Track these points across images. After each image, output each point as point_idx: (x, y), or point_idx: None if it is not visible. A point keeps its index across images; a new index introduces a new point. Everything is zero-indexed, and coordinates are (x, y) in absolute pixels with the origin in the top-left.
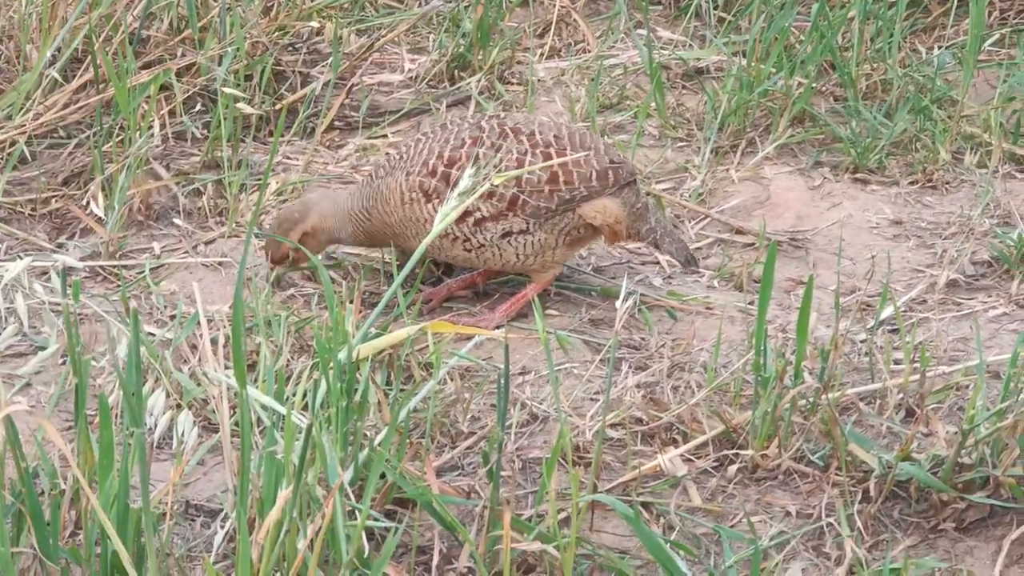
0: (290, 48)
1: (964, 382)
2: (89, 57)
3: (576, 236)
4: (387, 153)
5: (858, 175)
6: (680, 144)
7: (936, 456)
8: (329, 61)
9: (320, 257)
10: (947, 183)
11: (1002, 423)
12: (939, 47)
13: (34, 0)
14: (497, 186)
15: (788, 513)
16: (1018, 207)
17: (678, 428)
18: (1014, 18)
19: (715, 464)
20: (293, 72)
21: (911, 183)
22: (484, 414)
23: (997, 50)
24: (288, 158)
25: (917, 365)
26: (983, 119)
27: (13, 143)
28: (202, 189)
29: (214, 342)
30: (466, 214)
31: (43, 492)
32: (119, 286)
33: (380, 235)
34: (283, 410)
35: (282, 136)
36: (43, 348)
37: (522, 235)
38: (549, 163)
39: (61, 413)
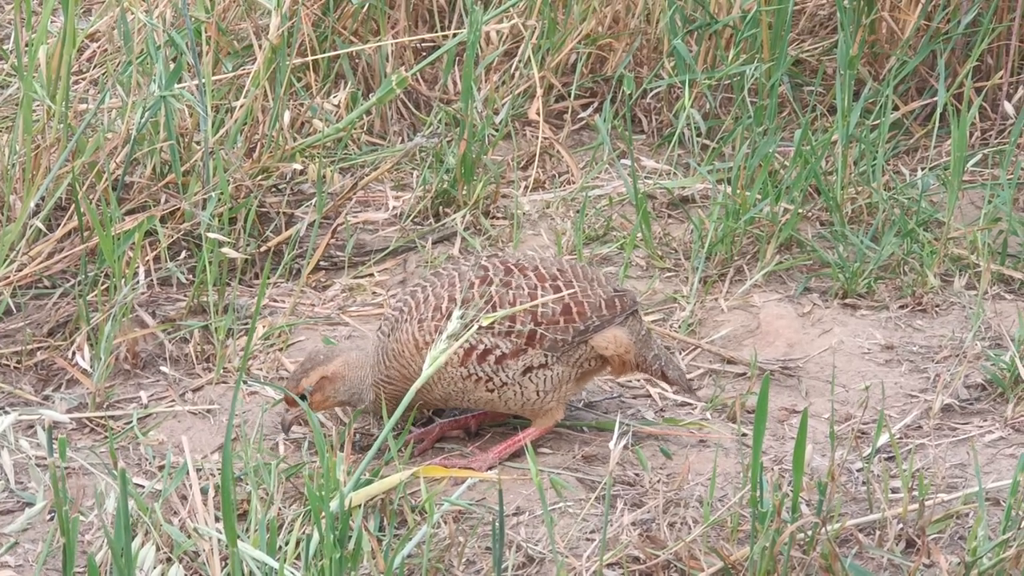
0: (274, 189)
1: (964, 510)
2: (73, 206)
3: (587, 369)
4: (383, 316)
5: (847, 300)
6: (668, 274)
7: None
8: (313, 201)
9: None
10: (937, 306)
11: (1005, 554)
12: (922, 168)
13: (17, 150)
14: (513, 324)
15: None
16: (1009, 329)
17: (676, 566)
18: (995, 138)
19: None
20: (278, 213)
21: (901, 307)
22: (479, 557)
23: (980, 170)
24: (274, 300)
25: (915, 494)
26: (970, 241)
27: None
28: (188, 336)
29: (204, 492)
30: (486, 352)
31: None
32: (107, 437)
33: (403, 394)
34: (275, 564)
35: (268, 279)
36: (30, 504)
37: (542, 369)
38: (559, 295)
39: (50, 572)
